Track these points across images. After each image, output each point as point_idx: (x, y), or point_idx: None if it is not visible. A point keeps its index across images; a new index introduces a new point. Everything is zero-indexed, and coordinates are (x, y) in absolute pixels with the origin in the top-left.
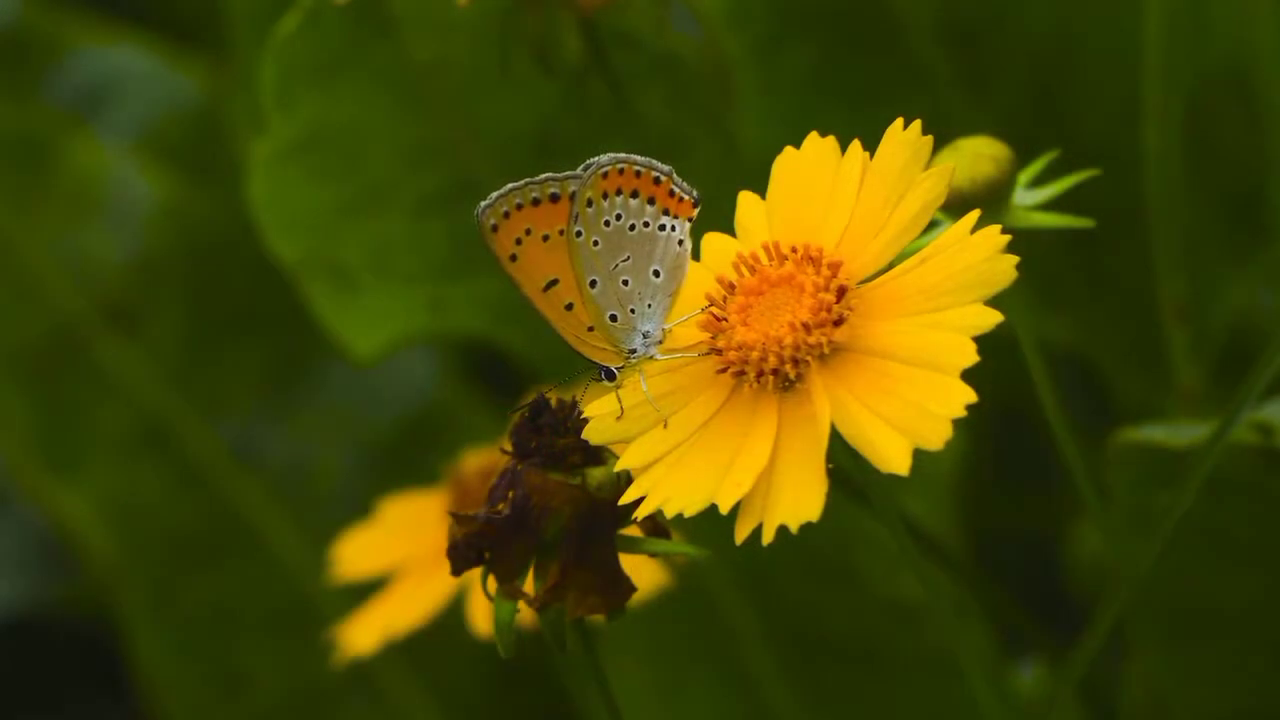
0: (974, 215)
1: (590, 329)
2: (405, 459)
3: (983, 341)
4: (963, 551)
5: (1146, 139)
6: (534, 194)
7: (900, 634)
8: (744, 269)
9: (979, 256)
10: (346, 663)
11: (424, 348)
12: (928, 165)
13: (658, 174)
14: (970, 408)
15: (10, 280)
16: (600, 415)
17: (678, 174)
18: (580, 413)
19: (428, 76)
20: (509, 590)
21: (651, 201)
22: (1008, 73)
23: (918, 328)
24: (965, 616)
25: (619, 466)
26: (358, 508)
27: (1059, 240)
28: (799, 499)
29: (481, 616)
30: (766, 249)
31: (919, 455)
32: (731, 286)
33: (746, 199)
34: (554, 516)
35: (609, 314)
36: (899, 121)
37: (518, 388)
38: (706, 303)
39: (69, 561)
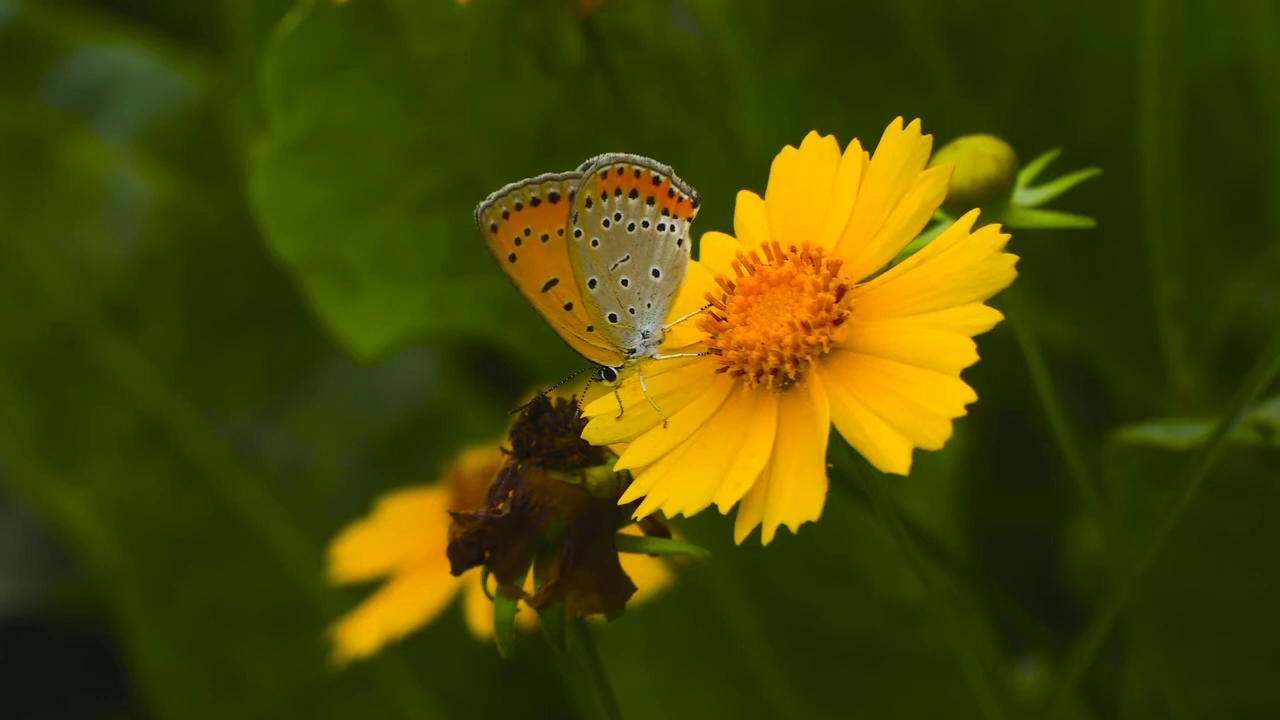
0: (973, 214)
1: (590, 329)
2: (405, 459)
3: (983, 341)
4: (963, 551)
5: (1144, 139)
6: (533, 194)
7: (900, 634)
8: (743, 268)
9: (979, 256)
10: (346, 662)
11: (424, 347)
12: (927, 164)
13: (657, 174)
14: (970, 407)
15: (10, 280)
16: (600, 415)
17: (677, 173)
18: (580, 412)
19: (428, 75)
20: (509, 590)
21: (651, 201)
22: (1008, 72)
23: (917, 327)
24: (965, 616)
25: (619, 466)
26: (358, 508)
27: (1059, 240)
28: (799, 498)
29: (481, 616)
30: (766, 248)
31: (919, 454)
32: (731, 286)
33: (746, 198)
34: (554, 516)
35: (608, 314)
36: (898, 121)
37: (518, 388)
38: (706, 302)
39: (69, 561)
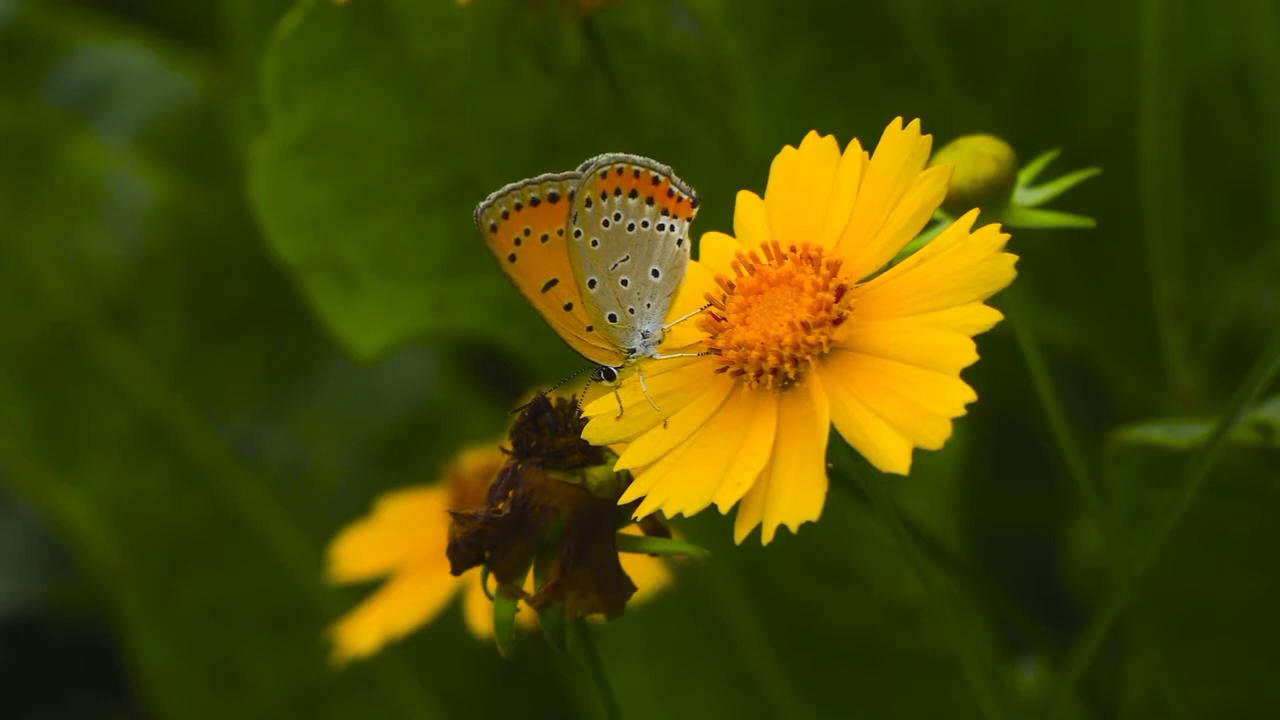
0: (973, 214)
1: (589, 329)
2: (405, 459)
3: (983, 341)
4: (963, 551)
5: (1144, 139)
6: (533, 194)
7: (900, 634)
8: (743, 268)
9: (978, 256)
10: (346, 662)
11: (424, 347)
12: (927, 164)
13: (656, 174)
14: (970, 407)
15: (10, 280)
16: (600, 415)
17: (677, 173)
18: (580, 412)
19: (429, 75)
20: (509, 589)
21: (650, 201)
22: (1008, 72)
23: (917, 327)
24: (965, 616)
25: (619, 466)
26: (358, 508)
27: (1059, 240)
28: (799, 498)
29: (481, 616)
30: (765, 248)
31: (919, 454)
32: (731, 286)
33: (745, 198)
34: (554, 516)
35: (608, 314)
36: (898, 121)
37: (518, 388)
38: (706, 302)
39: (69, 561)
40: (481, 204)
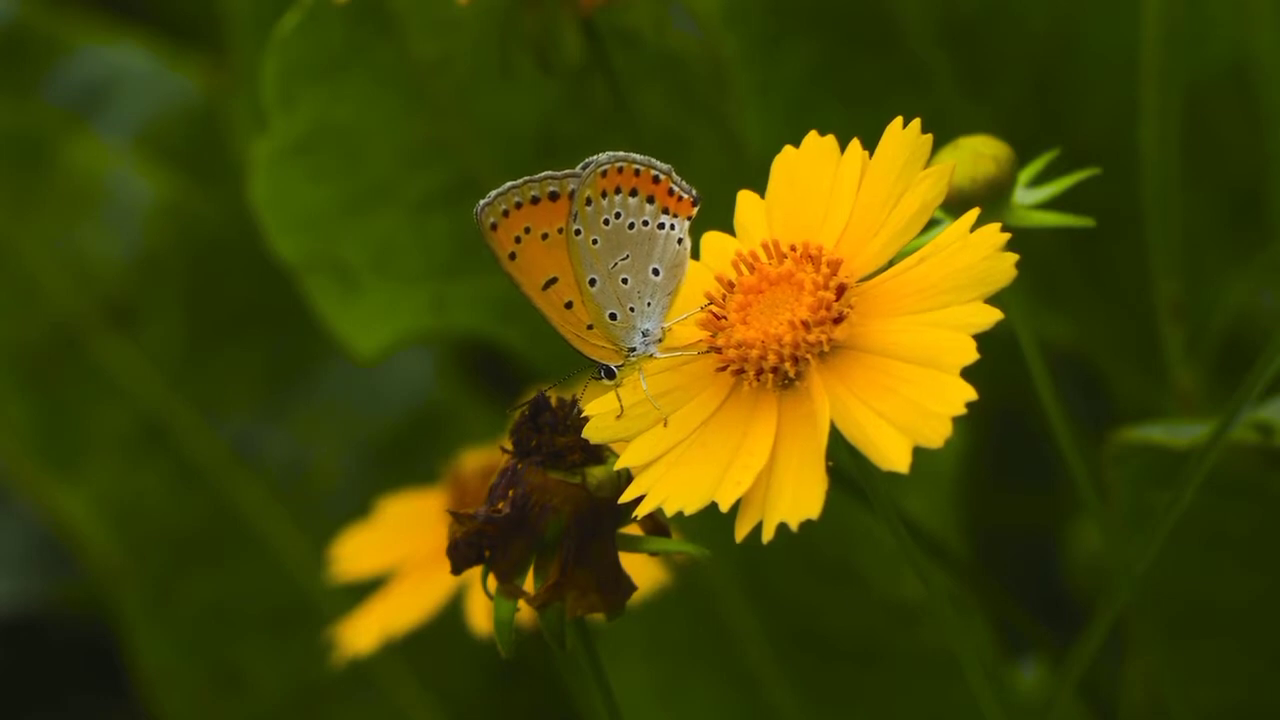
0: (973, 214)
1: (590, 327)
2: (405, 459)
3: (983, 341)
4: (963, 551)
5: (1144, 139)
6: (533, 192)
7: (900, 634)
8: (743, 267)
9: (978, 255)
10: (346, 662)
11: (424, 347)
12: (927, 164)
13: (656, 172)
14: (970, 406)
15: (10, 280)
16: (600, 414)
17: (677, 173)
18: (580, 411)
19: (429, 75)
20: (509, 589)
21: (651, 200)
22: (1008, 72)
23: (917, 326)
24: (965, 616)
25: (619, 465)
26: (358, 507)
27: (1059, 240)
28: (799, 497)
29: (481, 616)
30: (766, 247)
31: (919, 453)
32: (731, 285)
33: (746, 198)
34: (554, 515)
35: (608, 312)
36: (898, 120)
37: (518, 388)
38: (706, 301)
39: (69, 561)
40: (481, 202)
